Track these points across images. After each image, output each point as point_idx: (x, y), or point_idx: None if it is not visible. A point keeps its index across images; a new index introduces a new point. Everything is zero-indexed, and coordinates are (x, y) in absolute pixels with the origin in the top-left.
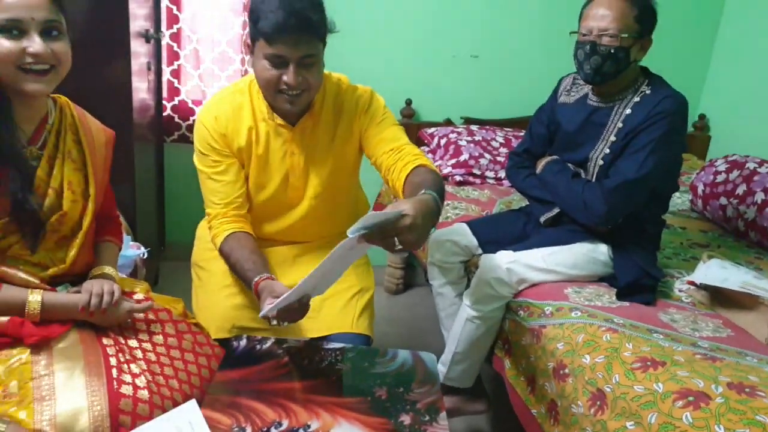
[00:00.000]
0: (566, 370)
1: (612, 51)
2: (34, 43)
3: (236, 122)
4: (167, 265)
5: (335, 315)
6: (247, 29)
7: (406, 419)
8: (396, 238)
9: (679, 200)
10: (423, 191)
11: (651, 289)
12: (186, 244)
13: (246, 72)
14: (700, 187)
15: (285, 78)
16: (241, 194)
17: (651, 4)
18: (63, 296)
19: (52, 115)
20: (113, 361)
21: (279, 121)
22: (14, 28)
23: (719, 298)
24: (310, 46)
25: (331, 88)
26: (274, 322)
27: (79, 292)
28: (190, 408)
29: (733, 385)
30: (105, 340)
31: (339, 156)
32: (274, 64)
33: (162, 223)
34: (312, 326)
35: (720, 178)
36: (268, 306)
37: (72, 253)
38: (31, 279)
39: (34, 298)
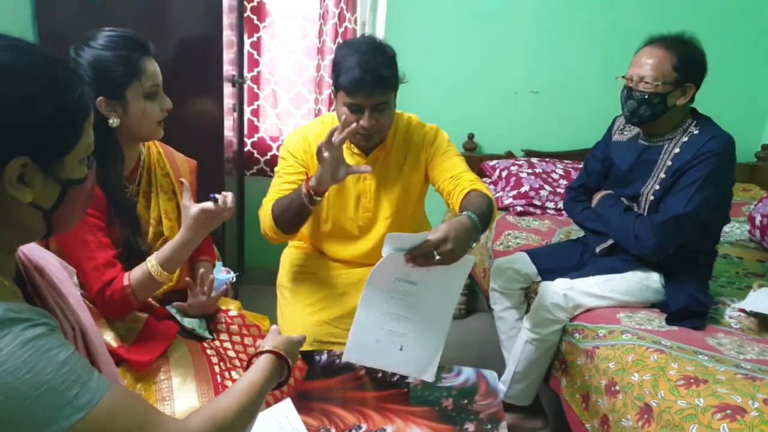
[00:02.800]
0: (617, 387)
1: (646, 97)
2: (167, 101)
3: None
4: (245, 288)
5: None
6: (320, 71)
7: (470, 427)
8: (435, 252)
9: (738, 230)
10: (463, 213)
11: (700, 316)
12: (262, 268)
13: (319, 111)
14: (758, 218)
15: (361, 122)
16: None
17: (693, 53)
18: (170, 245)
19: (142, 155)
20: (217, 368)
21: (355, 150)
22: (155, 94)
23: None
24: (382, 96)
25: (402, 125)
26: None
27: (184, 307)
28: (286, 405)
29: None
30: (209, 351)
31: (407, 183)
32: (352, 110)
33: (242, 250)
34: None
35: None
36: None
37: (176, 272)
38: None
39: (151, 261)
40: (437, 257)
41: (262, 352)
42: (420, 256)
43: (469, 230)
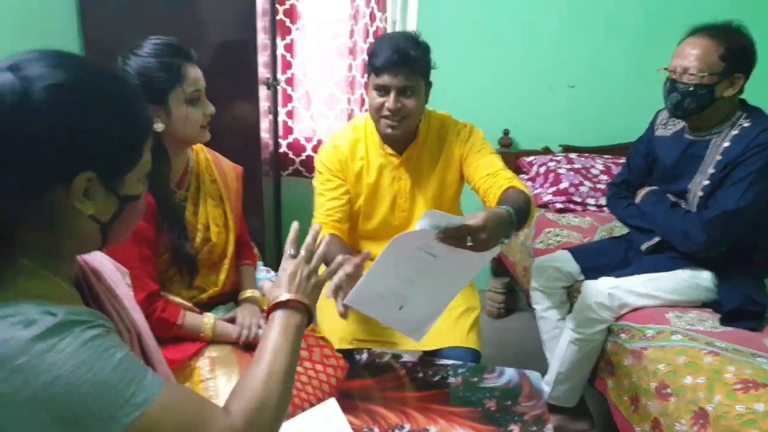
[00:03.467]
0: (669, 390)
1: (691, 89)
2: (209, 106)
3: (352, 152)
4: None
5: (446, 330)
6: (352, 71)
7: (515, 429)
8: (468, 237)
9: None
10: (502, 207)
11: (758, 316)
12: None
13: (352, 111)
14: None
15: (387, 104)
16: (341, 210)
17: (742, 42)
18: (224, 325)
19: (191, 161)
20: None
21: (389, 150)
22: (197, 99)
23: None
24: (408, 78)
25: (435, 122)
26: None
27: (233, 319)
28: (331, 405)
29: None
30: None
31: (442, 182)
32: (380, 92)
33: (279, 249)
34: (424, 340)
35: None
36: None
37: (222, 276)
38: (187, 304)
39: (208, 321)
40: (469, 243)
41: (276, 306)
42: (453, 237)
43: (506, 224)
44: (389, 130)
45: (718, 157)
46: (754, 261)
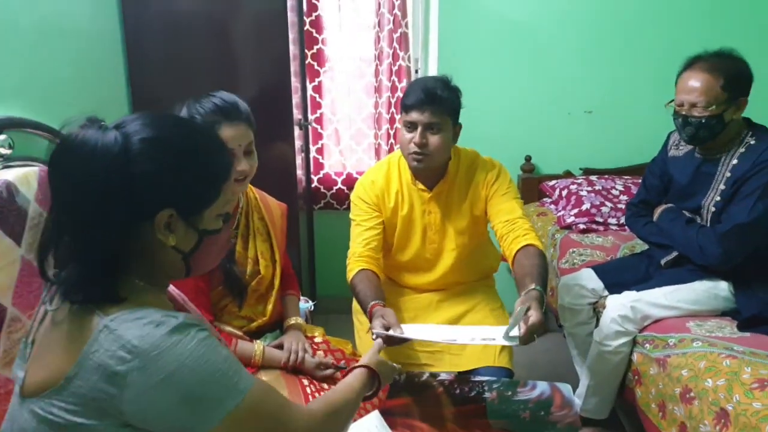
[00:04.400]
0: (692, 394)
1: (703, 121)
2: (241, 163)
3: (387, 187)
4: (319, 318)
5: (479, 351)
6: (378, 108)
7: None
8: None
9: None
10: (533, 287)
11: None
12: (333, 297)
13: (379, 145)
14: None
15: (414, 139)
16: (376, 239)
17: (739, 68)
18: (272, 351)
19: (241, 201)
20: (308, 389)
21: (420, 186)
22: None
23: None
24: (434, 116)
25: (465, 160)
26: (376, 338)
27: (280, 345)
28: (374, 417)
29: None
30: (299, 374)
31: (470, 216)
32: (408, 129)
33: (314, 280)
34: (459, 362)
35: None
36: (378, 329)
37: (270, 306)
38: (237, 332)
39: (258, 348)
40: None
41: (358, 366)
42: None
43: (542, 302)
44: (414, 164)
45: (728, 174)
46: None
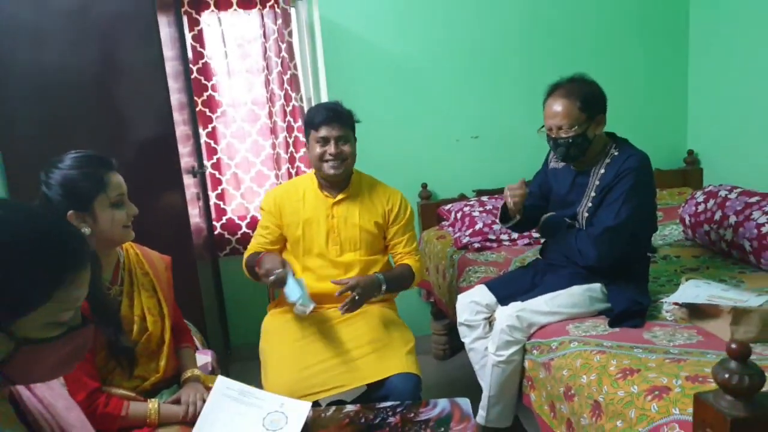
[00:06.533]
0: (572, 391)
1: (570, 140)
2: (132, 207)
3: (289, 193)
4: (235, 366)
5: (386, 360)
6: (276, 149)
7: None
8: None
9: (676, 232)
10: (376, 274)
11: (640, 315)
12: (248, 345)
13: (280, 183)
14: (687, 218)
15: (329, 150)
16: (269, 238)
17: (592, 90)
18: (169, 407)
19: (122, 257)
20: None
21: (326, 193)
22: (121, 203)
23: (694, 312)
24: (342, 129)
25: (365, 179)
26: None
27: (177, 400)
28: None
29: (690, 377)
30: None
31: (365, 226)
32: (321, 144)
33: (226, 330)
34: (367, 374)
35: (700, 208)
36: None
37: (162, 363)
38: (130, 394)
39: (153, 406)
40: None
41: None
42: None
43: (375, 285)
44: (332, 171)
45: (597, 182)
46: (634, 269)
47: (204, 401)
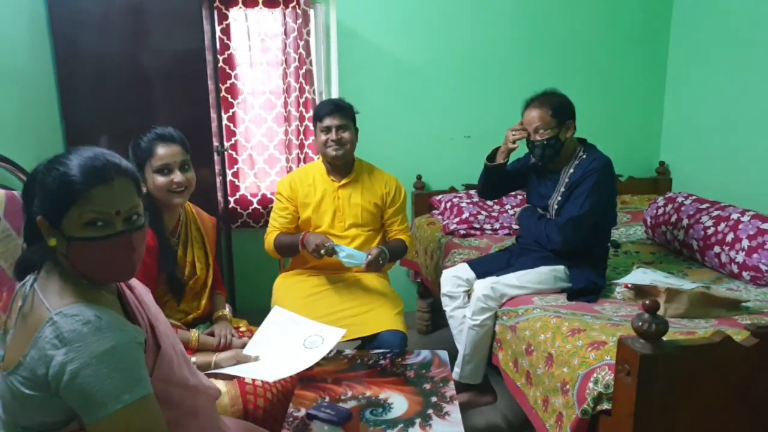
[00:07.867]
0: (532, 348)
1: (545, 142)
2: (177, 176)
3: (302, 178)
4: None
5: (380, 318)
6: (288, 135)
7: (427, 386)
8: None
9: (640, 232)
10: (380, 247)
11: (595, 292)
12: (252, 311)
13: (290, 168)
14: (648, 220)
15: (330, 137)
16: (288, 218)
17: (560, 100)
18: (206, 337)
19: (182, 215)
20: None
21: (332, 178)
22: (165, 170)
23: (640, 293)
24: (343, 119)
25: (366, 165)
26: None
27: (211, 332)
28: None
29: (624, 336)
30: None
31: (366, 206)
32: (324, 132)
33: (233, 295)
34: (363, 329)
35: (660, 211)
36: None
37: (203, 302)
38: (177, 323)
39: (194, 334)
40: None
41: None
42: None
43: (384, 255)
44: (334, 153)
45: (566, 180)
46: (594, 255)
47: (233, 336)
